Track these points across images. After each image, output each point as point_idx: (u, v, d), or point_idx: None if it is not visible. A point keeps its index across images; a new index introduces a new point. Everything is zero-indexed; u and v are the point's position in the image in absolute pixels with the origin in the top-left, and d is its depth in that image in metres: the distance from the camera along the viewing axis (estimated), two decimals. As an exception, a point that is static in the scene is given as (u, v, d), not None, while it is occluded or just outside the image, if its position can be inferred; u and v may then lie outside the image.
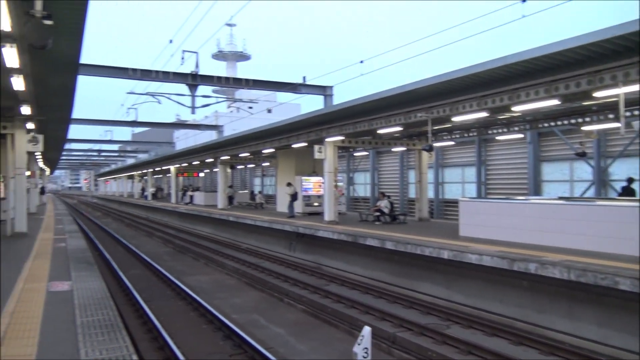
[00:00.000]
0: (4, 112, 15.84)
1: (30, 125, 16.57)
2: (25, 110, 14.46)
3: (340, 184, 23.81)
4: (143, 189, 55.24)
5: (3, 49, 8.48)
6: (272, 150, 24.58)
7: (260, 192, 35.37)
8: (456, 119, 13.32)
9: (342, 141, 18.85)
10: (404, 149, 21.43)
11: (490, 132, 18.14)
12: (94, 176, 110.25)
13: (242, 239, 23.82)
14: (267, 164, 32.08)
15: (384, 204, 19.33)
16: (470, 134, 18.59)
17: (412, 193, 26.36)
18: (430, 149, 14.50)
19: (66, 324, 6.50)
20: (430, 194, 24.36)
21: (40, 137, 16.88)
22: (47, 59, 10.44)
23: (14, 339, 5.82)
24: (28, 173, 23.49)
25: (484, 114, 12.78)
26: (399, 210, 24.22)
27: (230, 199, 34.36)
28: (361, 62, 15.55)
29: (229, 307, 11.98)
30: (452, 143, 21.46)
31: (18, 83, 11.02)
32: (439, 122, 15.89)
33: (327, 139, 18.54)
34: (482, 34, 11.87)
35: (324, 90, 22.52)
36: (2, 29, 7.21)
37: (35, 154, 27.65)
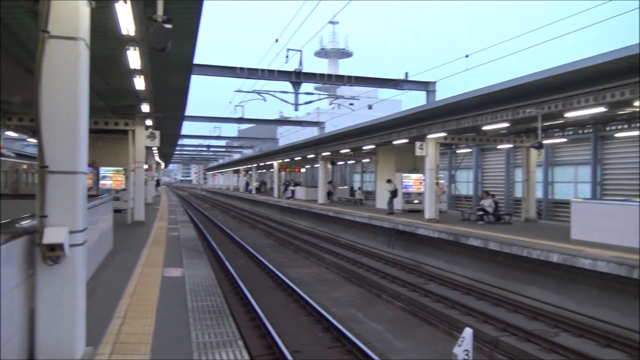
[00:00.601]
0: (127, 110, 17.25)
1: (148, 122, 17.89)
2: (145, 108, 15.61)
3: (441, 181, 23.23)
4: (247, 183, 57.57)
5: (127, 52, 9.21)
6: (372, 146, 24.54)
7: (359, 189, 35.47)
8: (570, 114, 12.47)
9: (445, 138, 18.38)
10: (510, 146, 20.47)
11: (608, 128, 16.77)
12: (203, 170, 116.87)
13: (340, 233, 24.06)
14: (367, 160, 32.08)
15: (487, 203, 18.60)
16: (585, 131, 17.31)
17: (518, 192, 25.10)
18: (539, 146, 13.72)
19: (179, 307, 6.95)
20: (539, 193, 23.06)
21: (157, 133, 18.18)
22: (165, 60, 11.18)
23: (134, 319, 6.32)
24: (146, 166, 25.38)
25: (601, 109, 11.85)
26: (504, 210, 23.17)
27: (329, 194, 34.86)
28: (466, 56, 15.04)
29: (329, 300, 12.16)
30: (564, 140, 20.15)
31: (139, 83, 11.91)
32: (549, 118, 14.97)
33: (429, 136, 18.17)
34: (592, 26, 10.98)
35: (426, 86, 22.08)
36: (127, 33, 7.82)
37: (152, 148, 29.84)
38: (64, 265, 4.53)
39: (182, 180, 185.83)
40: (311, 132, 49.06)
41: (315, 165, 43.86)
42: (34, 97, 4.43)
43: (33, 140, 23.57)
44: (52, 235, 4.42)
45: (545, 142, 18.97)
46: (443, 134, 17.72)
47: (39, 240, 4.45)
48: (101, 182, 21.71)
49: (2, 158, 20.34)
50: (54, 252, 4.46)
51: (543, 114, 12.82)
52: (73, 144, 4.56)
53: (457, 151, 29.30)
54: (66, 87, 4.53)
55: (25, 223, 4.70)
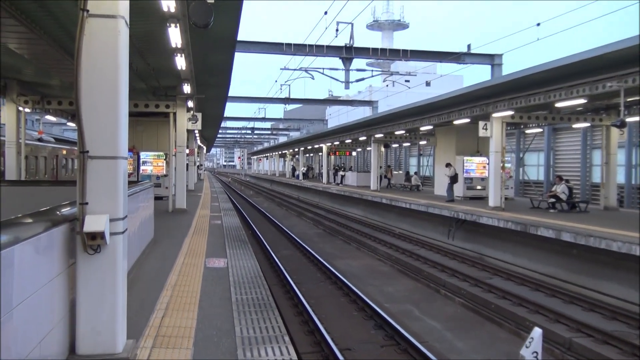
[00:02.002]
0: (168, 91, 17.69)
1: (190, 104, 18.30)
2: (186, 89, 15.97)
3: (507, 165, 22.70)
4: (294, 168, 58.07)
5: (169, 30, 9.42)
6: (430, 127, 24.19)
7: (416, 173, 35.16)
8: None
9: (512, 117, 17.91)
10: (587, 125, 19.73)
11: None
12: (246, 154, 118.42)
13: (395, 223, 23.98)
14: (425, 142, 31.69)
15: (560, 189, 18.05)
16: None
17: (596, 177, 24.22)
18: (621, 124, 13.14)
19: (222, 299, 7.13)
20: (620, 178, 22.17)
21: (199, 115, 18.59)
22: (207, 37, 11.38)
23: (176, 311, 6.54)
24: (187, 151, 26.01)
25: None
26: (579, 197, 22.42)
27: (387, 180, 34.73)
28: (538, 24, 14.54)
29: (382, 295, 12.17)
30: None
31: (180, 62, 12.18)
32: (634, 93, 14.31)
33: (494, 115, 17.76)
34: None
35: (491, 60, 21.54)
36: (168, 9, 7.98)
37: (194, 131, 30.49)
38: (104, 254, 4.72)
39: (225, 166, 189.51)
40: (363, 113, 48.88)
41: (368, 149, 43.76)
42: (74, 79, 4.60)
43: (72, 125, 24.56)
44: (93, 223, 4.60)
45: (629, 119, 18.15)
46: (510, 112, 17.28)
47: (79, 228, 4.63)
48: (141, 167, 22.47)
49: (41, 143, 21.32)
50: (95, 241, 4.64)
51: (626, 88, 12.26)
52: (113, 127, 4.71)
53: (526, 131, 28.48)
54: (106, 68, 4.68)
55: (66, 210, 4.88)
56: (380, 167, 35.52)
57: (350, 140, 36.69)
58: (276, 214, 29.40)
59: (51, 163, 21.49)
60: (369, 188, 30.65)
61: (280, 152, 65.84)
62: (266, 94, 39.25)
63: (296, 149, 53.87)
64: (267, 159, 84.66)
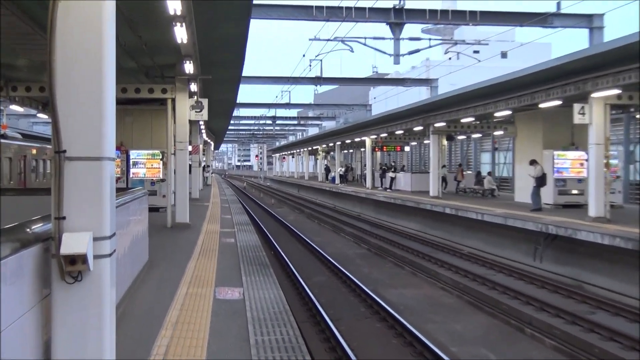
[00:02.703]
0: (164, 72, 17.92)
1: (193, 88, 18.52)
2: (188, 68, 16.15)
3: (613, 161, 22.31)
4: (327, 169, 58.13)
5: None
6: (507, 113, 23.93)
7: (489, 174, 34.80)
8: None
9: (618, 96, 17.59)
10: None
11: None
12: (266, 151, 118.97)
13: (462, 239, 23.79)
14: (501, 132, 31.39)
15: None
16: None
17: None
18: None
19: (238, 341, 7.16)
20: None
21: (205, 102, 18.78)
22: (214, 1, 11.49)
23: (179, 356, 6.59)
24: (190, 148, 26.28)
25: None
26: None
27: (445, 181, 34.49)
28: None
29: (447, 335, 12.07)
30: None
31: (181, 33, 12.30)
32: None
33: (594, 95, 17.47)
34: None
35: (588, 22, 21.22)
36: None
37: (199, 123, 30.83)
38: (87, 283, 4.78)
39: (238, 166, 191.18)
40: (418, 95, 48.64)
41: (425, 142, 43.53)
42: (47, 58, 4.66)
43: (44, 117, 25.04)
44: (72, 243, 4.64)
45: None
46: (616, 91, 16.96)
47: (55, 250, 4.69)
48: (132, 170, 22.90)
49: (4, 140, 21.69)
50: (75, 266, 4.69)
51: None
52: (97, 120, 4.77)
53: (638, 116, 27.93)
54: (87, 43, 4.74)
55: (37, 227, 4.94)
56: (444, 165, 35.33)
57: (401, 132, 36.56)
58: (306, 229, 29.48)
59: (18, 166, 21.78)
60: (427, 194, 30.51)
61: (310, 148, 66.08)
62: (291, 73, 39.34)
63: (331, 144, 53.99)
64: (292, 157, 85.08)
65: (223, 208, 27.43)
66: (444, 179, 34.30)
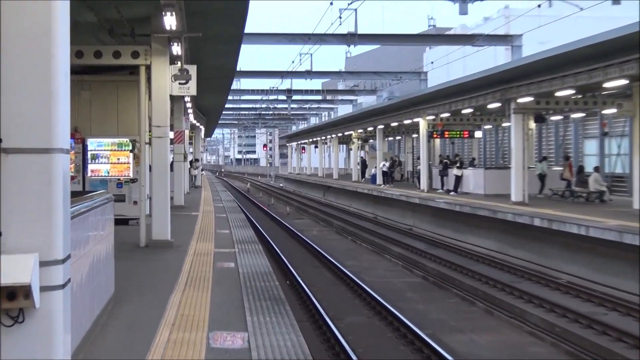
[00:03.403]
0: (135, 28, 17.98)
1: (176, 50, 18.52)
2: (169, 21, 16.16)
3: None
4: (364, 163, 57.91)
5: None
6: (622, 82, 23.74)
7: (596, 169, 34.48)
8: None
9: None
10: None
11: None
12: (278, 139, 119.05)
13: (558, 263, 23.61)
14: (613, 111, 31.06)
15: None
16: None
17: None
18: None
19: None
20: None
21: (193, 71, 18.83)
22: None
23: None
24: (171, 135, 26.30)
25: None
26: None
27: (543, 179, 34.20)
28: None
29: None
30: None
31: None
32: None
33: None
34: None
35: None
36: None
37: (185, 100, 30.91)
38: (32, 325, 4.79)
39: (239, 161, 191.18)
40: (494, 58, 48.33)
41: (504, 125, 43.17)
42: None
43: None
44: (10, 269, 4.63)
45: None
46: None
47: (-13, 279, 4.72)
48: (90, 166, 22.95)
49: None
50: (15, 302, 4.69)
51: None
52: (44, 97, 4.78)
53: None
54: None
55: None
56: (544, 158, 35.01)
57: (470, 111, 36.35)
58: (335, 249, 29.46)
59: None
60: (508, 198, 30.30)
61: (340, 134, 65.58)
62: (313, 30, 39.03)
63: (370, 128, 53.74)
64: (315, 147, 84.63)
65: (219, 219, 27.45)
66: (541, 178, 34.07)
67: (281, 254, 26.14)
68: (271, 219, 43.46)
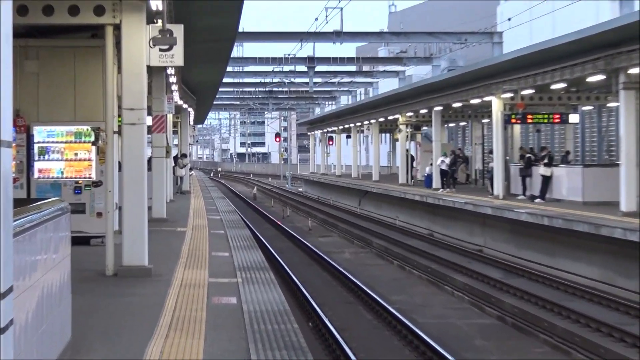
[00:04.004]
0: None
1: (155, 5, 18.51)
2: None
3: None
4: (412, 158, 57.68)
5: None
6: None
7: None
8: None
9: None
10: None
11: None
12: (296, 125, 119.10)
13: None
14: None
15: None
16: None
17: None
18: None
19: None
20: None
21: (179, 32, 18.84)
22: None
23: None
24: (149, 121, 26.29)
25: None
26: None
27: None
28: None
29: None
30: None
31: None
32: None
33: None
34: None
35: None
36: None
37: (167, 73, 30.96)
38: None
39: (241, 156, 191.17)
40: (595, 16, 48.14)
41: (609, 104, 42.91)
42: None
43: None
44: None
45: None
46: None
47: None
48: (37, 164, 22.94)
49: None
50: None
51: None
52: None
53: None
54: None
55: None
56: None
57: (561, 85, 36.18)
58: (376, 278, 29.48)
59: None
60: (616, 207, 30.08)
61: (382, 118, 65.21)
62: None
63: (423, 110, 53.48)
64: (347, 137, 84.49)
65: (214, 237, 27.46)
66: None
67: (301, 286, 26.12)
68: (287, 236, 43.54)
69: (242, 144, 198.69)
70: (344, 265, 31.91)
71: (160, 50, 18.56)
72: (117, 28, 18.34)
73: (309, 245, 38.65)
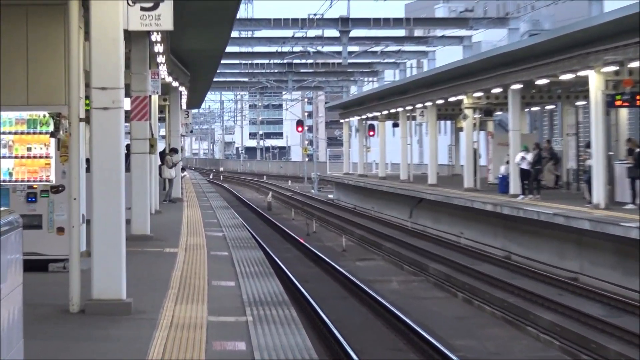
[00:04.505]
0: None
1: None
2: None
3: None
4: (474, 153, 57.85)
5: None
6: None
7: None
8: None
9: None
10: None
11: None
12: (325, 111, 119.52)
13: None
14: None
15: None
16: None
17: None
18: None
19: None
20: None
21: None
22: None
23: None
24: (127, 104, 26.27)
25: None
26: None
27: None
28: None
29: None
30: None
31: None
32: None
33: None
34: None
35: None
36: None
37: (152, 41, 31.01)
38: None
39: (251, 151, 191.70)
40: None
41: None
42: None
43: None
44: None
45: None
46: None
47: None
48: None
49: None
50: None
51: None
52: None
53: None
54: None
55: None
56: None
57: None
58: (433, 315, 29.48)
59: None
60: None
61: (440, 100, 65.01)
62: None
63: (495, 90, 53.28)
64: (394, 125, 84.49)
65: (215, 261, 27.47)
66: None
67: (332, 326, 26.07)
68: (313, 260, 43.65)
69: (252, 135, 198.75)
70: (390, 298, 31.91)
71: (142, 9, 18.51)
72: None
73: (343, 271, 38.64)
